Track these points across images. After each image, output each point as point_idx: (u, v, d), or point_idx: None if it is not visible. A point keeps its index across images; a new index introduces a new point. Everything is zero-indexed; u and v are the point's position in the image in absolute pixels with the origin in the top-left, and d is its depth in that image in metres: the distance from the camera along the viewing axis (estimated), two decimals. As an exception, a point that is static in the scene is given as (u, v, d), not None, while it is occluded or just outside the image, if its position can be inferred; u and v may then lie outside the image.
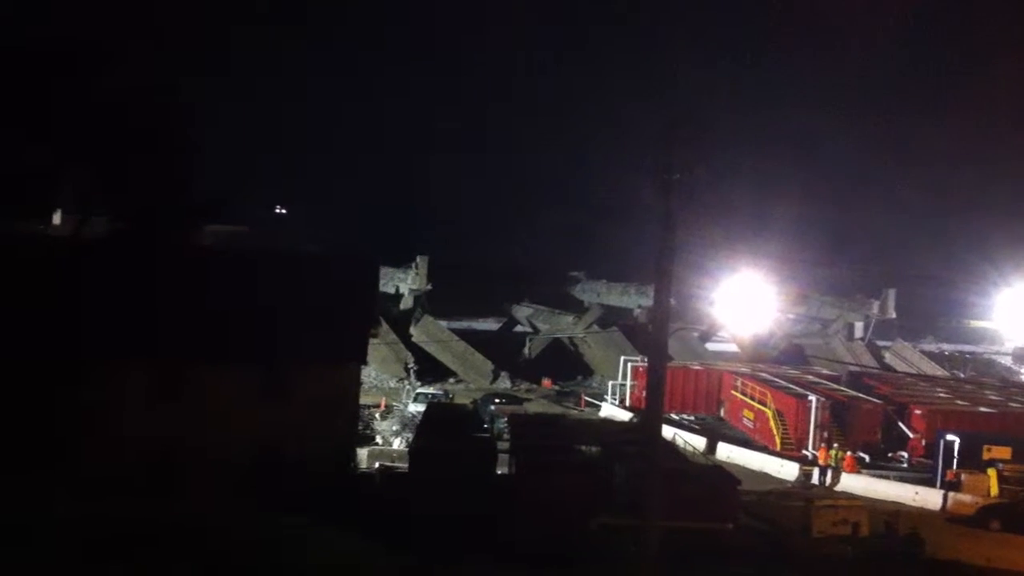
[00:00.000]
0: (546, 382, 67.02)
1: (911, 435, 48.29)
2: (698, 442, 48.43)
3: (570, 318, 79.41)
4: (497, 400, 56.42)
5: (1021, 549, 33.89)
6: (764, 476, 44.48)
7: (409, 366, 62.54)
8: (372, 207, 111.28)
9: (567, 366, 71.48)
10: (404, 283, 75.57)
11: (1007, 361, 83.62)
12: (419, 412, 45.98)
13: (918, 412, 48.96)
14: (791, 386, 53.66)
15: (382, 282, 66.00)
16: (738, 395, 56.19)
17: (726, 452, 47.85)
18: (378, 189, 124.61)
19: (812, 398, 49.41)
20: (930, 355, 79.31)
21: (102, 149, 42.22)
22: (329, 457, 32.22)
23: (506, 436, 42.25)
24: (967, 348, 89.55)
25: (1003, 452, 42.61)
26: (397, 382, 61.14)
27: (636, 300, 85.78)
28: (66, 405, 30.18)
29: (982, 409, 50.21)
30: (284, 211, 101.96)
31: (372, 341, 46.25)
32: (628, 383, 60.25)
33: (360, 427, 44.01)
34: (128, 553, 20.86)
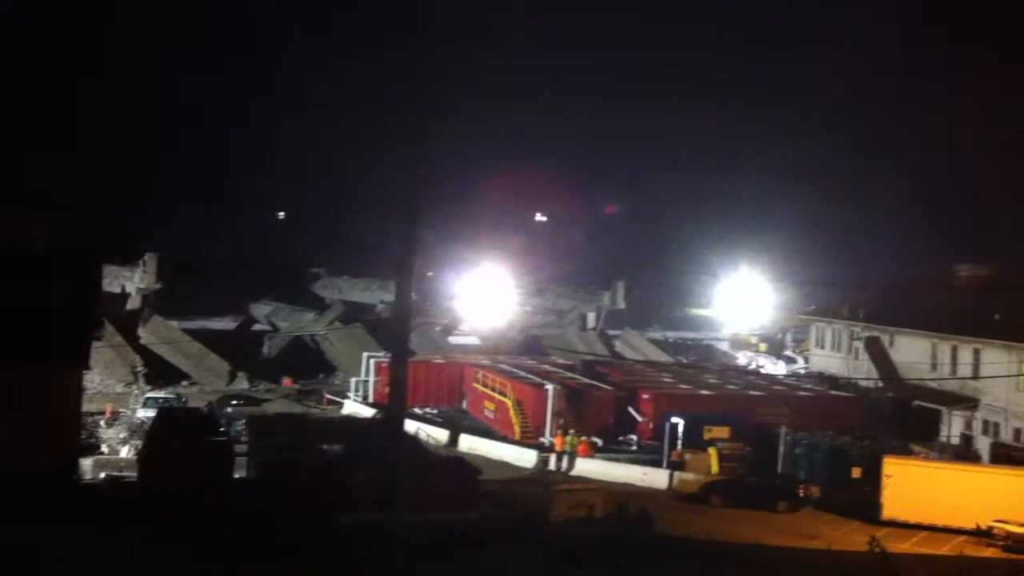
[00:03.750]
0: (287, 381, 65.32)
1: (640, 418, 50.75)
2: (441, 435, 48.90)
3: (311, 315, 77.97)
4: (235, 402, 54.51)
5: (739, 522, 36.48)
6: (505, 465, 45.41)
7: (137, 370, 59.28)
8: (97, 201, 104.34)
9: (309, 364, 69.97)
10: (131, 282, 71.53)
11: (725, 346, 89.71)
12: (149, 418, 43.67)
13: (646, 396, 51.53)
14: (530, 376, 55.16)
15: (106, 281, 62.12)
16: (480, 387, 57.15)
17: (468, 443, 48.51)
18: (102, 181, 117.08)
19: (549, 387, 50.98)
20: (656, 342, 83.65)
21: None
22: (52, 467, 29.90)
23: (244, 439, 40.96)
24: (689, 335, 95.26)
25: (722, 431, 45.69)
26: (125, 387, 57.82)
27: (379, 295, 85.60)
28: None
29: (703, 392, 53.60)
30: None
31: (96, 344, 43.52)
32: (372, 379, 59.88)
33: (84, 436, 41.25)
34: None
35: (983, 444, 49.59)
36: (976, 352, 51.37)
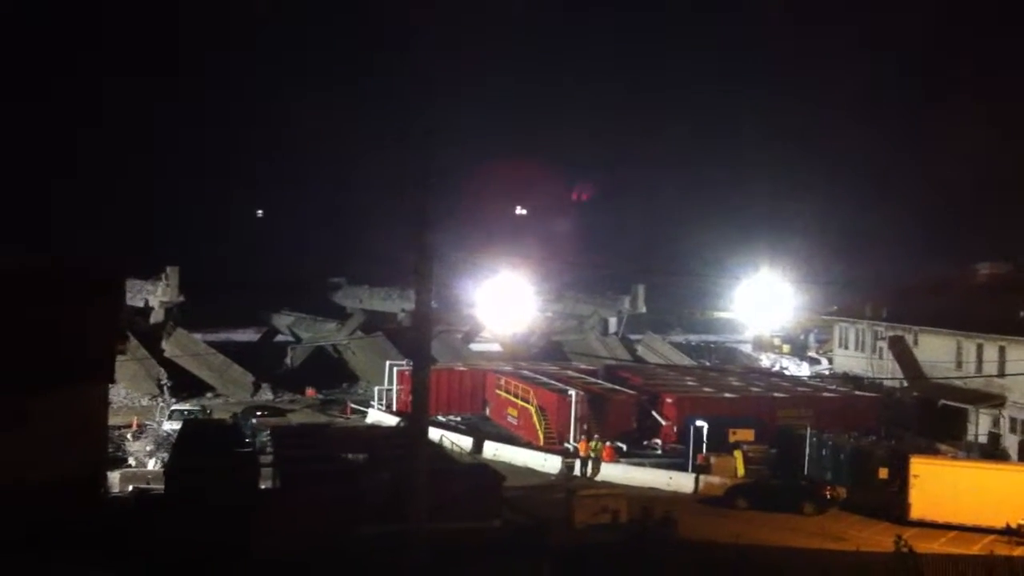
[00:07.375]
0: (310, 391, 65.64)
1: (663, 422, 50.65)
2: (465, 442, 48.95)
3: (333, 325, 78.20)
4: (259, 413, 54.82)
5: (765, 525, 36.28)
6: (529, 471, 45.40)
7: (162, 382, 59.72)
8: (113, 215, 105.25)
9: (332, 374, 70.30)
10: (154, 295, 71.84)
11: (747, 348, 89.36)
12: (175, 430, 43.95)
13: (669, 400, 51.44)
14: (552, 382, 55.14)
15: (129, 295, 62.61)
16: (502, 393, 57.16)
17: (492, 450, 48.55)
18: (120, 195, 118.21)
19: (571, 393, 50.92)
20: (678, 346, 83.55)
21: None
22: (78, 483, 30.10)
23: (269, 450, 41.12)
24: (711, 338, 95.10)
25: (746, 434, 45.52)
26: (150, 400, 58.29)
27: (400, 304, 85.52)
28: None
29: (726, 395, 53.40)
30: None
31: (121, 358, 43.91)
32: (394, 388, 60.00)
33: (111, 449, 41.64)
34: None
35: (1011, 442, 49.18)
36: (1001, 350, 50.93)
